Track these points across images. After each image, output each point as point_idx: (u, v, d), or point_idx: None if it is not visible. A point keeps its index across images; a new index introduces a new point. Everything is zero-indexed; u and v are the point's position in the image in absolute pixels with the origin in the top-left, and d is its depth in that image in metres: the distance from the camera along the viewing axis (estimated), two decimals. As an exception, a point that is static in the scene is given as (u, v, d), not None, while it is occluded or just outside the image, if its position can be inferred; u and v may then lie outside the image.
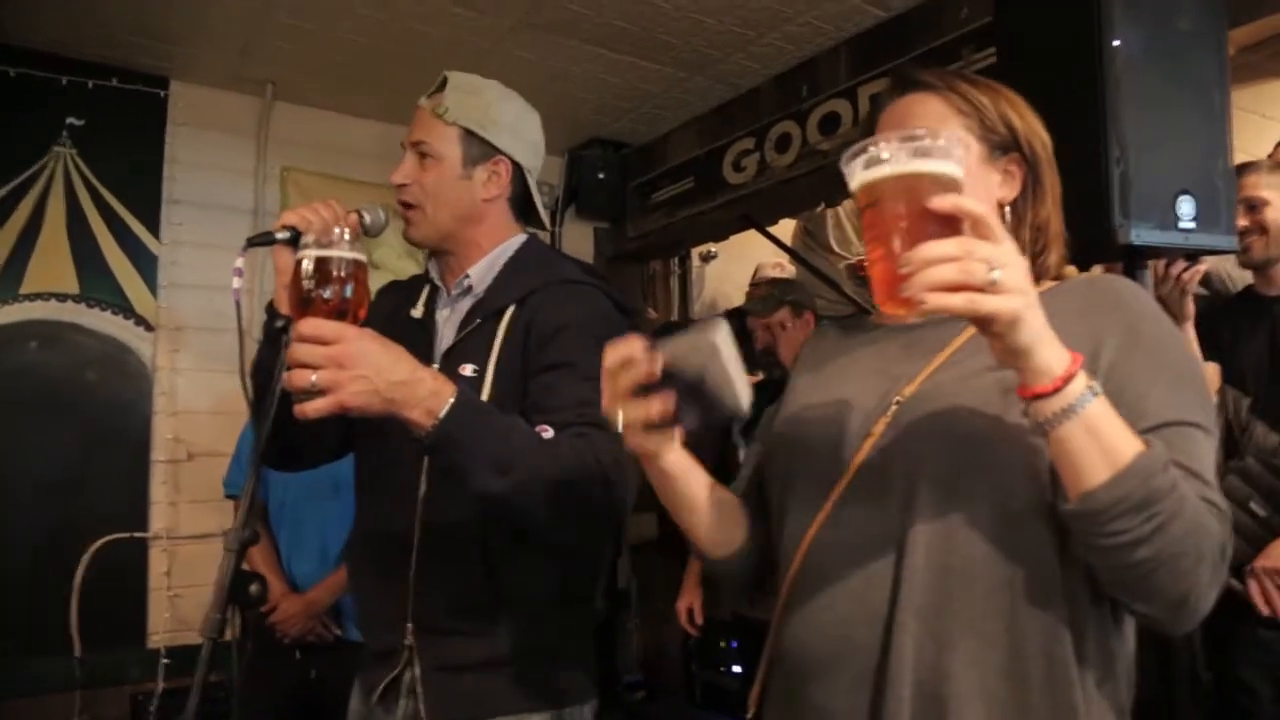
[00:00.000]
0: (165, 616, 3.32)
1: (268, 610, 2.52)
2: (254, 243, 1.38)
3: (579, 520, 1.36)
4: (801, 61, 3.47)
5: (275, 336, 1.34)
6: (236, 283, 1.33)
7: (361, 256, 1.18)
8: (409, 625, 1.46)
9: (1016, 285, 0.78)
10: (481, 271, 1.59)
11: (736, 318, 3.88)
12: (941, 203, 0.80)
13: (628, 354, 0.95)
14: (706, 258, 4.83)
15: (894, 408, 1.06)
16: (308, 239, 1.19)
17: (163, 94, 3.52)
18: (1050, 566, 0.96)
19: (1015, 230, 1.11)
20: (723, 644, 3.39)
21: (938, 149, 0.83)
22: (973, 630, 0.95)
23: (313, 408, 1.11)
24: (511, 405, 1.41)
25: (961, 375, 1.04)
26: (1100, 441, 0.84)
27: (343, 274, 1.16)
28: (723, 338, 0.93)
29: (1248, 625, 2.14)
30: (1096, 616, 0.97)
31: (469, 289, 1.59)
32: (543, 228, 1.73)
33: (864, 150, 0.85)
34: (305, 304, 1.16)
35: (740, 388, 0.93)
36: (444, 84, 1.59)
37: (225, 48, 3.32)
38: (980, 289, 0.77)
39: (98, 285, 3.32)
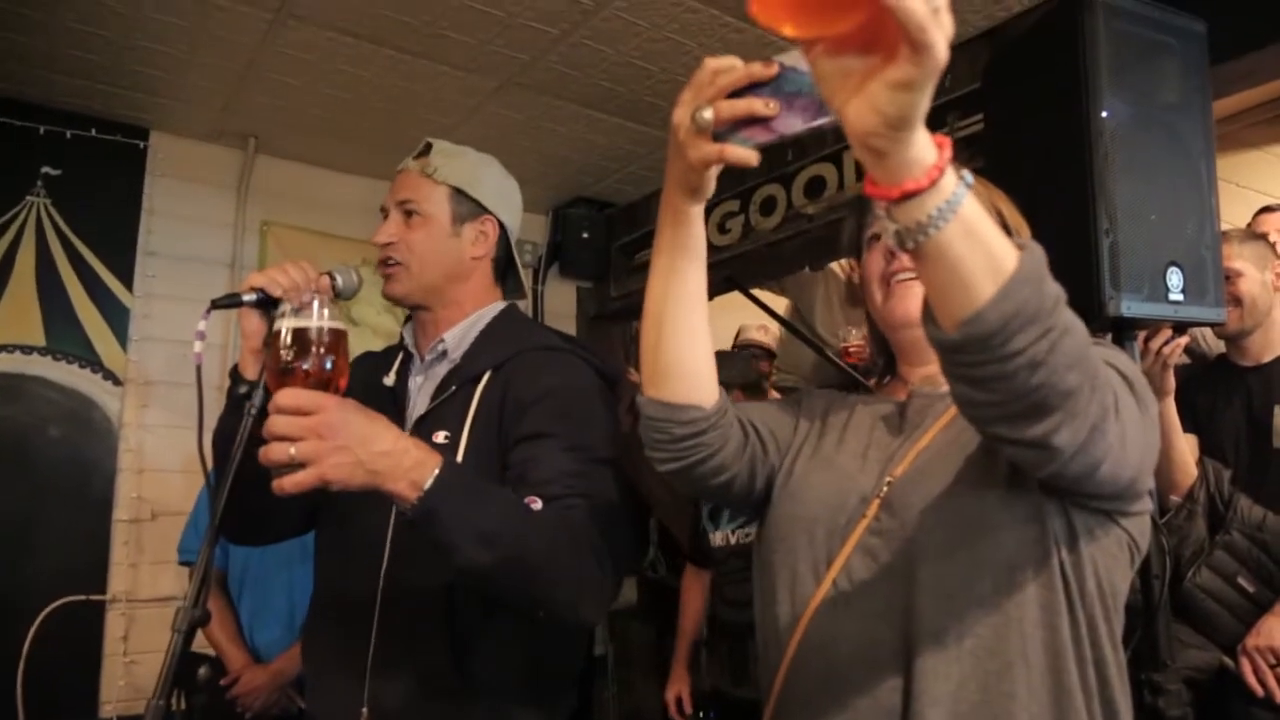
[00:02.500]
0: (120, 684, 3.18)
1: (228, 683, 2.42)
2: (219, 305, 1.34)
3: (567, 597, 1.27)
4: (786, 126, 3.47)
5: (239, 403, 1.29)
6: (198, 345, 1.28)
7: (341, 326, 1.14)
8: (364, 710, 1.37)
9: (950, 27, 0.63)
10: (457, 336, 1.56)
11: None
12: None
13: (728, 62, 0.85)
14: (689, 318, 4.80)
15: (885, 489, 1.03)
16: (284, 308, 1.15)
17: (142, 145, 3.49)
18: (1061, 634, 0.94)
19: None
20: (701, 714, 3.30)
21: None
22: (992, 711, 0.93)
23: (292, 482, 1.05)
24: (484, 473, 1.36)
25: (950, 451, 1.02)
26: (980, 244, 0.71)
27: (323, 344, 1.12)
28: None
29: (1240, 703, 2.08)
30: (1099, 679, 0.96)
31: (444, 354, 1.55)
32: (521, 292, 1.71)
33: None
34: (283, 375, 1.11)
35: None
36: (428, 148, 1.60)
37: (208, 101, 3.29)
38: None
39: (66, 337, 3.24)
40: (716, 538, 2.89)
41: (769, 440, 1.18)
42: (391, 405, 1.52)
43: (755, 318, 4.29)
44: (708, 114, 0.85)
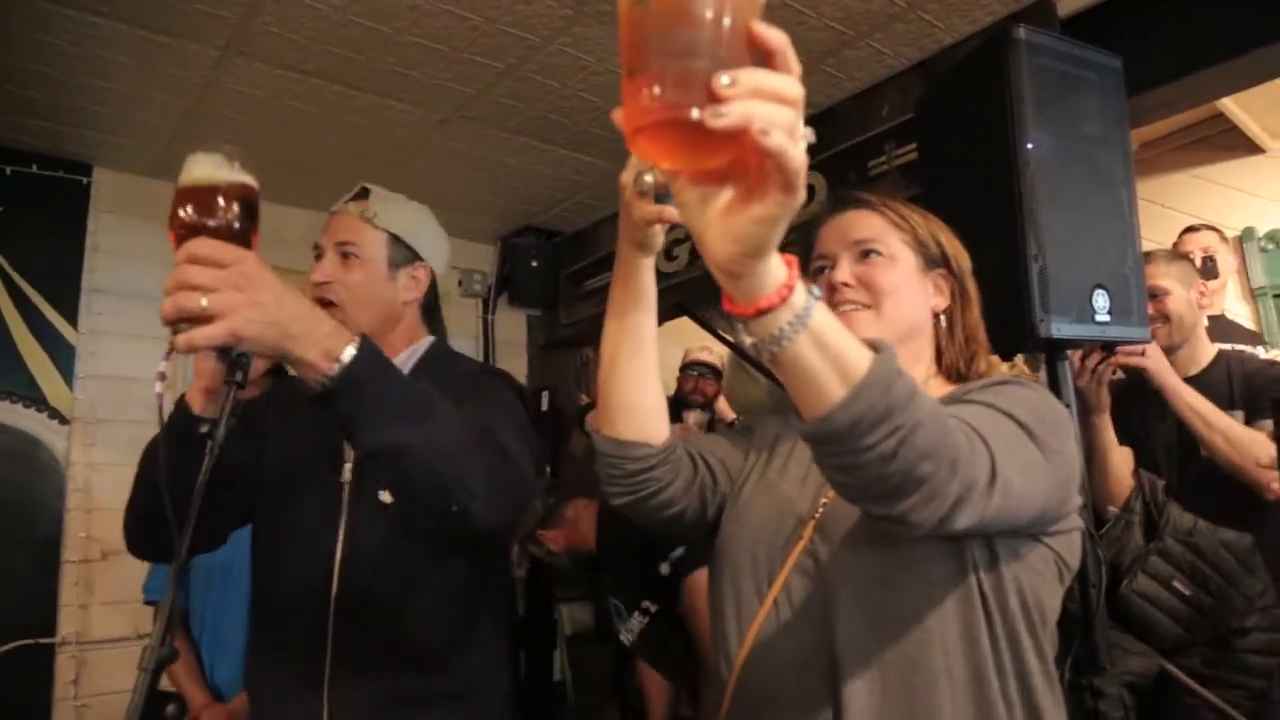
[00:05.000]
0: (71, 729, 3.12)
1: (188, 723, 2.39)
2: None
3: (486, 486, 1.22)
4: (730, 154, 3.55)
5: (187, 438, 1.26)
6: (159, 387, 1.28)
7: (251, 180, 1.08)
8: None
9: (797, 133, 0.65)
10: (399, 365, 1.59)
11: (671, 405, 3.90)
12: (768, 32, 0.64)
13: None
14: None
15: (820, 511, 1.09)
16: (195, 156, 1.09)
17: (85, 181, 3.47)
18: (982, 649, 1.00)
19: (949, 336, 1.24)
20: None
21: None
22: None
23: (202, 335, 1.00)
24: None
25: None
26: (830, 354, 0.76)
27: (235, 198, 1.05)
28: None
29: (1182, 707, 2.16)
30: (1022, 689, 1.02)
31: None
32: (442, 331, 1.75)
33: None
34: (192, 231, 1.04)
35: None
36: (366, 192, 1.64)
37: (154, 136, 3.28)
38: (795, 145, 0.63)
39: (9, 377, 3.19)
40: (625, 638, 2.86)
41: (719, 470, 1.23)
42: (332, 429, 1.54)
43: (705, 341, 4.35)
44: (649, 178, 0.94)
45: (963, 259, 1.26)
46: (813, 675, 1.03)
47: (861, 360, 0.77)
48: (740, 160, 0.66)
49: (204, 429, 1.31)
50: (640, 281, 1.10)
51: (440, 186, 3.74)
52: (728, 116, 0.60)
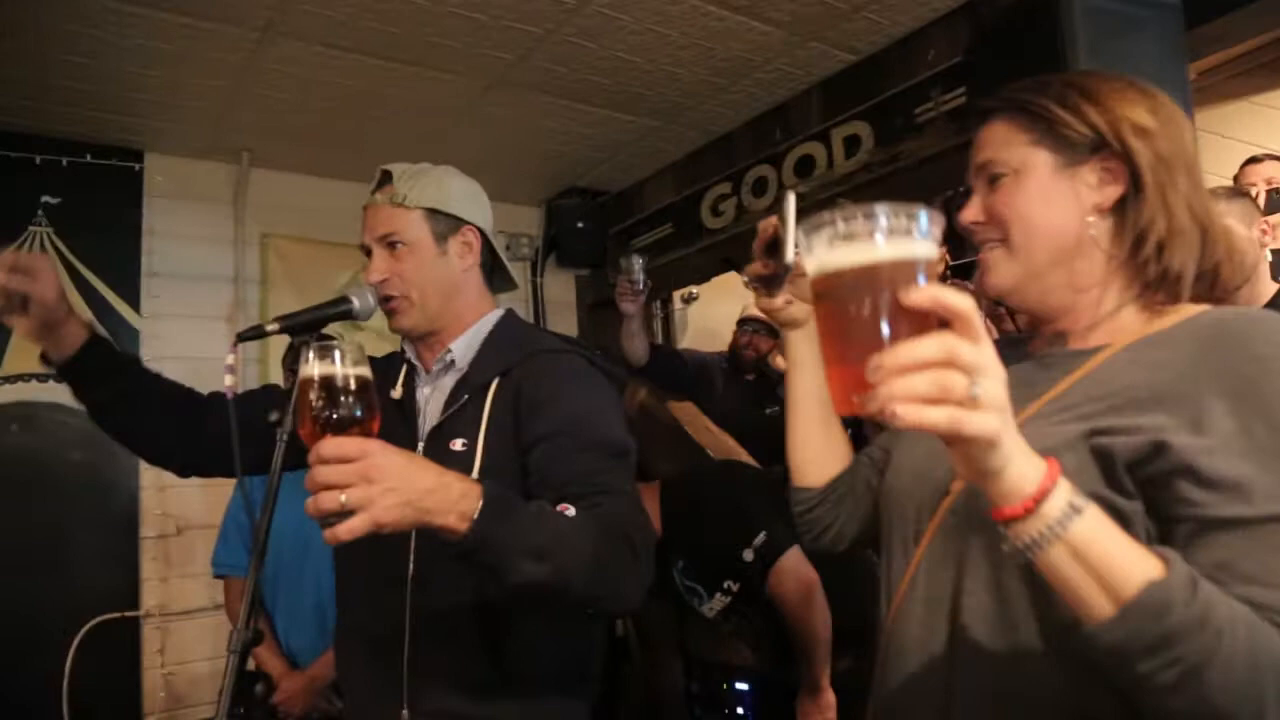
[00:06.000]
0: (160, 695, 3.27)
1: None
2: (245, 337, 1.38)
3: (614, 590, 1.32)
4: (774, 106, 3.51)
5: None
6: (229, 379, 1.33)
7: (367, 372, 1.15)
8: (404, 711, 1.44)
9: (997, 400, 0.66)
10: (463, 347, 1.60)
11: (728, 361, 3.91)
12: (918, 297, 0.65)
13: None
14: (688, 299, 4.85)
15: None
16: (308, 354, 1.14)
17: (138, 167, 3.53)
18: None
19: (1116, 241, 0.97)
20: (725, 687, 3.36)
21: (904, 228, 0.68)
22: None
23: (346, 529, 1.05)
24: (502, 476, 1.40)
25: (1046, 424, 0.92)
26: (1093, 569, 0.71)
27: (351, 390, 1.12)
28: (787, 206, 1.05)
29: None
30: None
31: (451, 364, 1.59)
32: (511, 283, 1.75)
33: (819, 228, 0.70)
34: (318, 425, 1.11)
35: (787, 248, 1.05)
36: (388, 176, 1.60)
37: (200, 119, 3.33)
38: (961, 403, 0.64)
39: (78, 363, 3.28)
40: (705, 612, 2.88)
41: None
42: (400, 418, 1.57)
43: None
44: (744, 279, 1.14)
45: (1127, 128, 0.95)
46: (933, 636, 0.97)
47: (1133, 577, 0.71)
48: None
49: (272, 418, 1.36)
50: (792, 353, 1.21)
51: (483, 153, 3.75)
52: (874, 402, 0.64)
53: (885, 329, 0.67)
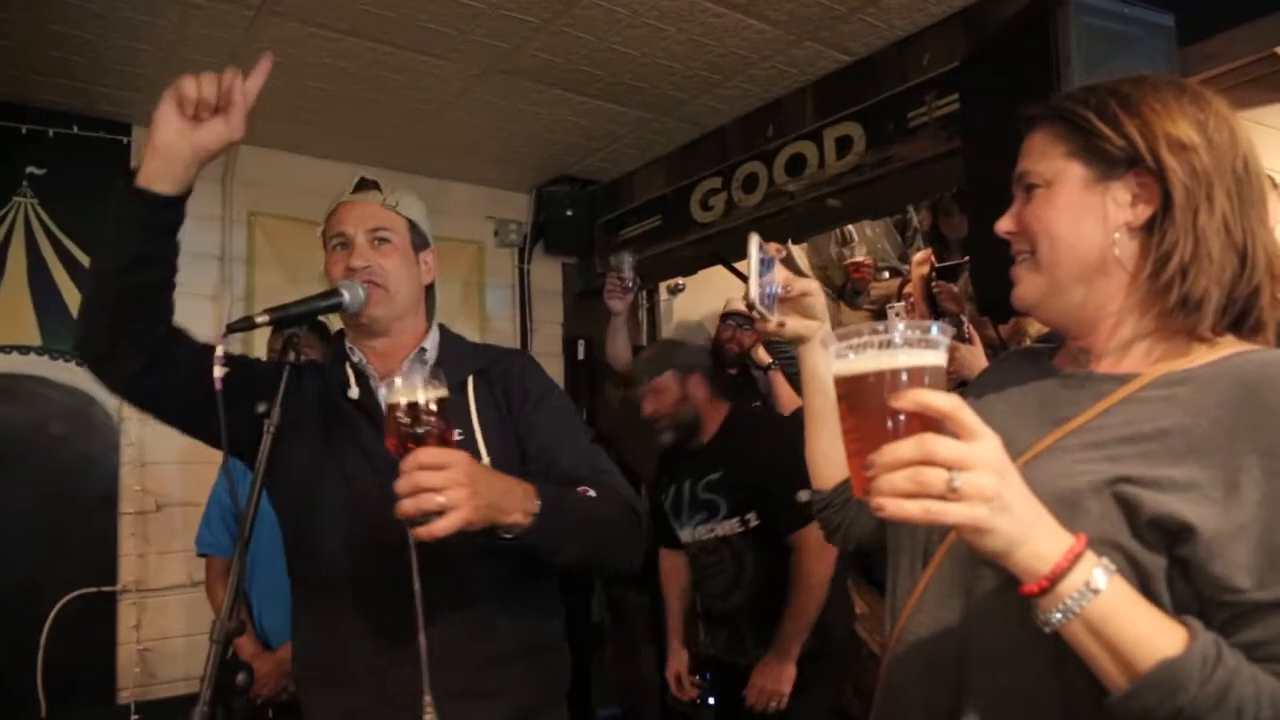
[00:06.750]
0: (135, 671, 3.27)
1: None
2: (235, 329, 1.39)
3: (630, 552, 1.57)
4: (767, 103, 3.52)
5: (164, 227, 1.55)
6: (218, 371, 1.33)
7: (445, 392, 1.26)
8: (427, 697, 1.40)
9: (979, 491, 0.71)
10: (432, 346, 1.69)
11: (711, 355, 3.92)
12: (900, 401, 0.74)
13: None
14: (674, 290, 4.87)
15: None
16: (397, 382, 1.25)
17: (126, 140, 3.50)
18: None
19: (1139, 260, 0.93)
20: (695, 676, 3.41)
21: (911, 339, 0.77)
22: None
23: (441, 526, 1.18)
24: (505, 458, 1.53)
25: (1072, 459, 0.89)
26: (1109, 645, 0.74)
27: (434, 411, 1.24)
28: (750, 248, 1.14)
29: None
30: None
31: (424, 362, 1.65)
32: (432, 315, 1.80)
33: (841, 339, 0.80)
34: (409, 439, 1.23)
35: (751, 285, 1.13)
36: (373, 183, 1.70)
37: (190, 95, 3.29)
38: (940, 496, 0.71)
39: (61, 336, 3.26)
40: (684, 535, 2.87)
41: None
42: (363, 416, 1.60)
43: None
44: (741, 306, 1.17)
45: (1164, 144, 0.91)
46: (943, 654, 0.95)
47: (1149, 655, 0.74)
48: None
49: (261, 409, 1.36)
50: (806, 365, 1.24)
51: (474, 138, 3.74)
52: (872, 497, 0.73)
53: (889, 425, 0.76)
